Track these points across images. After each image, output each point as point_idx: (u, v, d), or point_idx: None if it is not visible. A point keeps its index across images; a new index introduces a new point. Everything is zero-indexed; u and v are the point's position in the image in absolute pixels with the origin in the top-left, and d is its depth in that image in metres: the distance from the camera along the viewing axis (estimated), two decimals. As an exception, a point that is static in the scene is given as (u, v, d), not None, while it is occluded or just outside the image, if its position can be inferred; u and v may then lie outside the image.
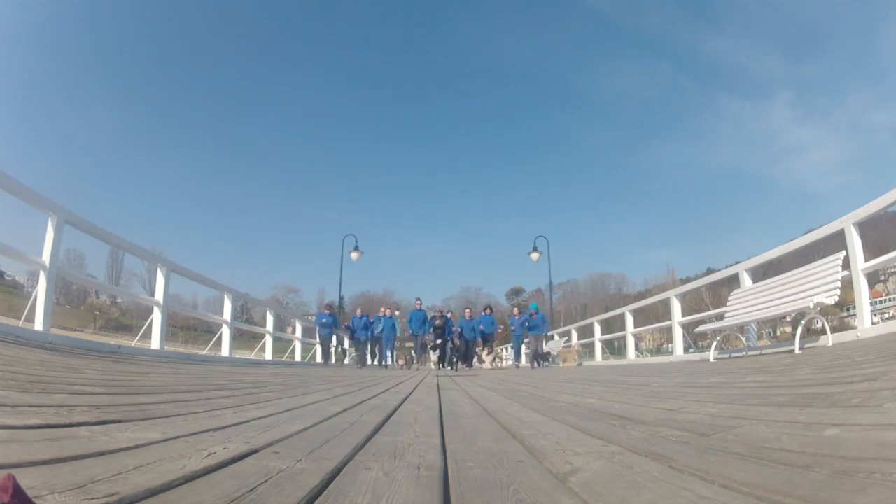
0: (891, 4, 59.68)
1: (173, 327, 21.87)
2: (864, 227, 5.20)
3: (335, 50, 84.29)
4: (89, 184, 67.49)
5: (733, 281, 7.17)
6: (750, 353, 6.09)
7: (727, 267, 8.95)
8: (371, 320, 12.66)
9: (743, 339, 6.64)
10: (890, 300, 41.52)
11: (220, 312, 8.81)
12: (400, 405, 2.27)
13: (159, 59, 74.19)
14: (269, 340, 10.38)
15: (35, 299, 5.13)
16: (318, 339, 12.70)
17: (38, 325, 4.91)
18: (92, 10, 69.25)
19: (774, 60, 75.99)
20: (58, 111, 65.65)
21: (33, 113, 66.46)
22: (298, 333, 13.19)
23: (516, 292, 61.20)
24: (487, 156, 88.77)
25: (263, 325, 10.61)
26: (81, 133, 68.85)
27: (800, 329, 4.66)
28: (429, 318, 12.72)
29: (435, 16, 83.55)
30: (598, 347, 11.54)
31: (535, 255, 17.29)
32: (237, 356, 9.14)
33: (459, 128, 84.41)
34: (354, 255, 16.30)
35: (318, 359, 12.61)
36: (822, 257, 5.99)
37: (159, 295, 7.30)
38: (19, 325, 5.14)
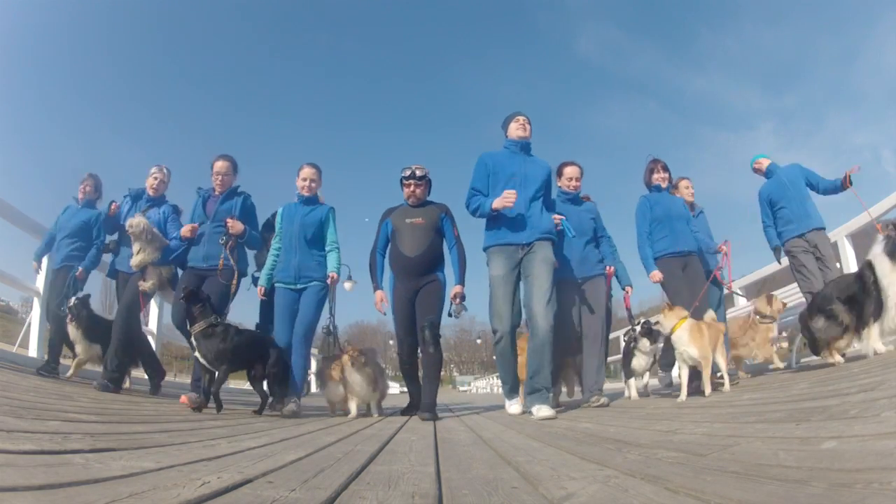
0: (866, 31, 62.05)
1: (171, 357, 21.51)
2: (857, 237, 5.23)
3: (337, 82, 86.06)
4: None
5: (728, 300, 7.15)
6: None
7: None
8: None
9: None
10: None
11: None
12: (395, 434, 2.25)
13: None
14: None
15: (29, 326, 5.09)
16: None
17: (33, 351, 4.86)
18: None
19: (755, 94, 78.79)
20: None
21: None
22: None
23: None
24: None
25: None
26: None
27: (796, 344, 4.65)
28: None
29: (436, 60, 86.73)
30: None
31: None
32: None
33: (452, 160, 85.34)
34: (348, 285, 14.19)
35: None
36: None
37: (153, 325, 7.24)
38: (13, 350, 5.09)
